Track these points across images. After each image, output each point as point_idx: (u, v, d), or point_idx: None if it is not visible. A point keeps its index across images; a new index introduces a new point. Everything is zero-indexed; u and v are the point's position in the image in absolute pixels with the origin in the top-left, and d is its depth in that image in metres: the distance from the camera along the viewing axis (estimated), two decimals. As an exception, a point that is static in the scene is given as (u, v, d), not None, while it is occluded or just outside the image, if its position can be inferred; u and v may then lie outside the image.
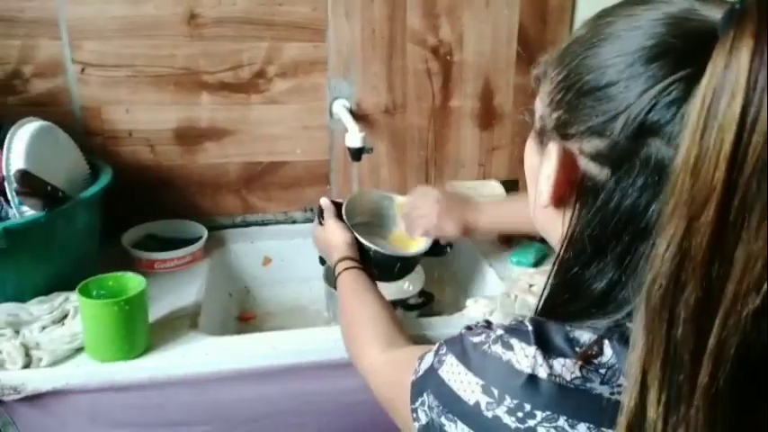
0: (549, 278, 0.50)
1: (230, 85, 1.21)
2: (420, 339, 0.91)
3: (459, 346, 0.49)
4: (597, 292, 0.45)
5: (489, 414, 0.43)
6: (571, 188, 0.47)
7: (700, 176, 0.35)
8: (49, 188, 0.89)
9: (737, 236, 0.35)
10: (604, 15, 0.46)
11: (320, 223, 1.00)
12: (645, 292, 0.38)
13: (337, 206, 1.01)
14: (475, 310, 0.98)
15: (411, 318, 1.08)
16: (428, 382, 0.50)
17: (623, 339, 0.42)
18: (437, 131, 1.32)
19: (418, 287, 1.14)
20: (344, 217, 0.98)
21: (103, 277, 0.88)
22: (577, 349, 0.43)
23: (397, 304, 1.08)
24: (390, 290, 1.18)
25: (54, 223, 0.90)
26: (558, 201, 0.48)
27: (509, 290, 1.04)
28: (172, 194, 1.25)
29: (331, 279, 1.17)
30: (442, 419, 0.47)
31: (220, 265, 1.20)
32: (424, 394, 0.50)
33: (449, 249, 1.05)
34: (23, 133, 0.92)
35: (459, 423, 0.46)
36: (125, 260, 1.10)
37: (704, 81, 0.36)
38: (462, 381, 0.46)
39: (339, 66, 1.24)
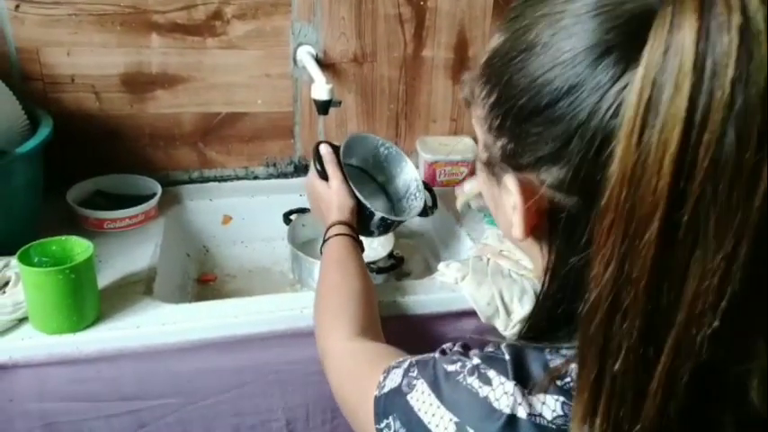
0: (533, 309, 0.46)
1: (183, 27, 1.10)
2: (390, 306, 0.87)
3: (431, 372, 0.45)
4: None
5: None
6: (542, 217, 0.41)
7: (640, 187, 0.30)
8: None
9: (689, 253, 0.30)
10: (517, 18, 0.39)
11: (317, 171, 0.91)
12: (581, 320, 0.34)
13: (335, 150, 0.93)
14: (447, 274, 0.94)
15: (379, 280, 1.04)
16: (395, 407, 0.46)
17: None
18: (408, 83, 1.25)
19: (388, 249, 1.09)
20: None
21: (46, 242, 0.80)
22: (559, 383, 0.39)
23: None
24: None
25: (-13, 182, 0.81)
26: (533, 231, 0.42)
27: (480, 252, 1.01)
28: (121, 147, 1.15)
29: (296, 239, 1.12)
30: None
31: (176, 223, 1.13)
32: (390, 418, 0.46)
33: (434, 210, 1.02)
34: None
35: None
36: (71, 219, 1.02)
37: (640, 71, 0.30)
38: (435, 414, 0.42)
39: (304, 8, 1.14)
